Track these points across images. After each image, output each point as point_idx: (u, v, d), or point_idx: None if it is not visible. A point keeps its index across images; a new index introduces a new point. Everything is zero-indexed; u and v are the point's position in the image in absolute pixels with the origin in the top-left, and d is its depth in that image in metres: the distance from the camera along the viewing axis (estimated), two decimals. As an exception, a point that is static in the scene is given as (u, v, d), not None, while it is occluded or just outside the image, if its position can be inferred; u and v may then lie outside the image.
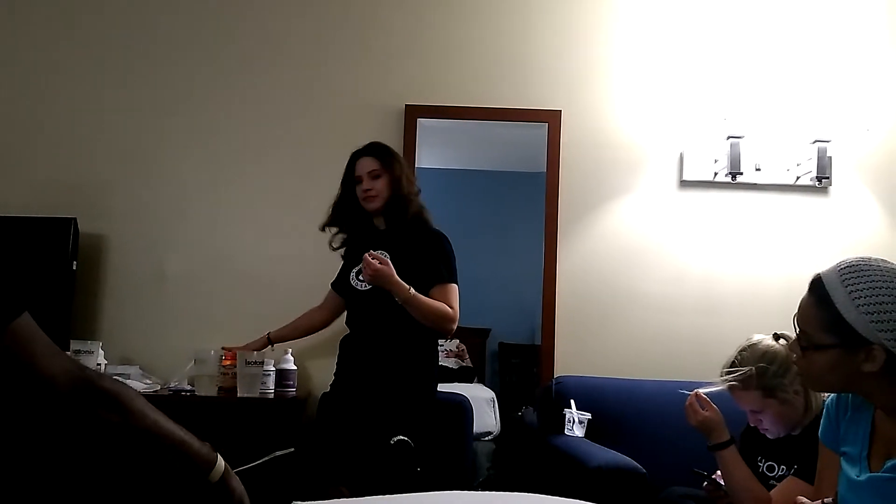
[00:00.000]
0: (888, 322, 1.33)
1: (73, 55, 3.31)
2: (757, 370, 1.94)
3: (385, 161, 2.57)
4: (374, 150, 2.60)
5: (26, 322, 0.90)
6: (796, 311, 1.48)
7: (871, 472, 1.41)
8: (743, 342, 2.04)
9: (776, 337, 1.99)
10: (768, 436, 2.01)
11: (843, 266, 1.42)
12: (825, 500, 1.49)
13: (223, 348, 2.90)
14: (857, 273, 1.39)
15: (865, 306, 1.35)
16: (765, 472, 2.01)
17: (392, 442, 2.23)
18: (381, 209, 2.57)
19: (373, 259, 2.37)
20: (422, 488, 1.39)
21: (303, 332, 2.91)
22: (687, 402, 2.01)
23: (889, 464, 1.37)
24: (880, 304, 1.34)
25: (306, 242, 3.19)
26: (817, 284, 1.44)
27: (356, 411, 2.41)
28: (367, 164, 2.57)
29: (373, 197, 2.55)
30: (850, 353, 1.37)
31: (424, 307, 2.40)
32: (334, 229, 2.68)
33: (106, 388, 0.98)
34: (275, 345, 2.90)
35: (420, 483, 2.12)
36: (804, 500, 1.50)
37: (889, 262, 1.41)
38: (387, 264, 2.37)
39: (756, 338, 2.02)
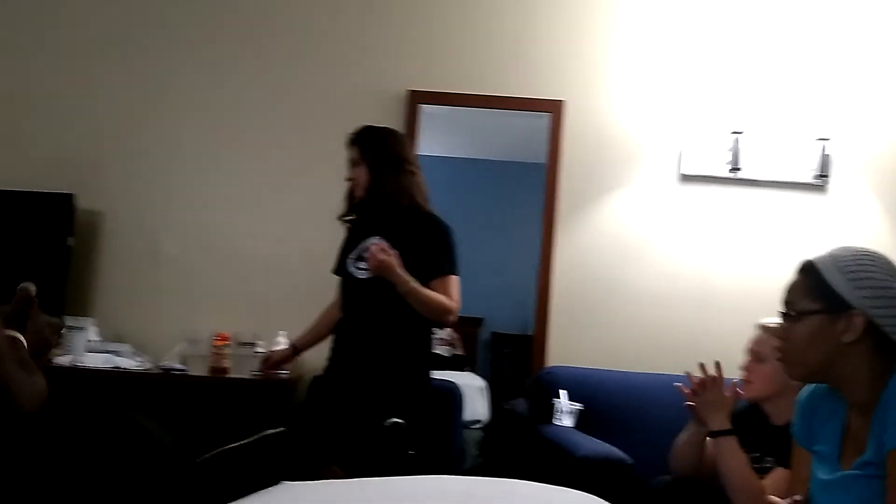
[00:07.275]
0: (871, 288, 1.36)
1: (71, 32, 3.28)
2: None
3: (364, 147, 2.50)
4: (356, 136, 2.53)
5: None
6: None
7: (842, 471, 1.40)
8: None
9: None
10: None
11: (834, 248, 1.46)
12: (796, 498, 1.49)
13: (265, 361, 2.76)
14: (847, 249, 1.44)
15: (850, 272, 1.39)
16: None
17: (386, 424, 2.23)
18: (366, 197, 2.50)
19: (377, 250, 2.33)
20: (410, 472, 1.40)
21: (326, 332, 2.67)
22: (707, 377, 1.93)
23: (858, 461, 1.37)
24: (864, 271, 1.38)
25: (302, 225, 3.20)
26: (806, 262, 1.47)
27: (350, 394, 2.41)
28: (350, 152, 2.52)
29: (353, 186, 2.51)
30: (831, 320, 1.38)
31: (425, 299, 2.38)
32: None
33: None
34: (301, 353, 2.78)
35: (409, 467, 2.13)
36: (775, 499, 1.50)
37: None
38: (392, 256, 2.34)
39: None
